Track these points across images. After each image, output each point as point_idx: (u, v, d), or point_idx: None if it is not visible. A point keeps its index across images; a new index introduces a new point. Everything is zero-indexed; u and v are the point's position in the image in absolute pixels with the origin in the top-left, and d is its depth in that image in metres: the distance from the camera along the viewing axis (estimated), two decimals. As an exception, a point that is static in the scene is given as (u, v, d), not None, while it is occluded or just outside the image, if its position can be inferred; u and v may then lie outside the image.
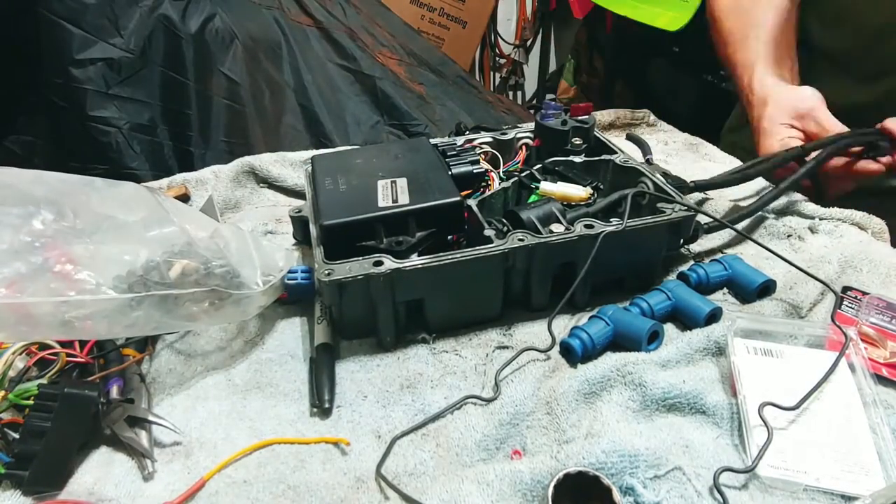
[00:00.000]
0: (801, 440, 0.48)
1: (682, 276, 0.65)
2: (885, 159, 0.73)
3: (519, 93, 3.27)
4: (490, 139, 0.76)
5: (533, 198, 0.68)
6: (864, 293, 0.62)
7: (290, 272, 0.63)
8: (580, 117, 0.74)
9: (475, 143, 0.75)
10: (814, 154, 0.72)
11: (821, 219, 0.74)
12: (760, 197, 0.72)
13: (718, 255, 0.68)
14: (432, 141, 0.72)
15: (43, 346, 0.52)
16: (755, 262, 0.67)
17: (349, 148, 0.81)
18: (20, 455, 0.45)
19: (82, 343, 0.54)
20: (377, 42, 2.07)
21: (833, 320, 0.57)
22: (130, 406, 0.50)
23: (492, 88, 3.07)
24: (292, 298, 0.64)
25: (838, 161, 0.74)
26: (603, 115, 1.02)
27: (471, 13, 2.85)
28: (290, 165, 0.83)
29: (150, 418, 0.50)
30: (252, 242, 0.59)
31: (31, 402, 0.47)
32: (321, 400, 0.52)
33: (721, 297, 0.65)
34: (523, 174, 0.70)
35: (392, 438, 0.49)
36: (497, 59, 3.12)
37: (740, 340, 0.55)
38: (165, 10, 1.34)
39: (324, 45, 1.62)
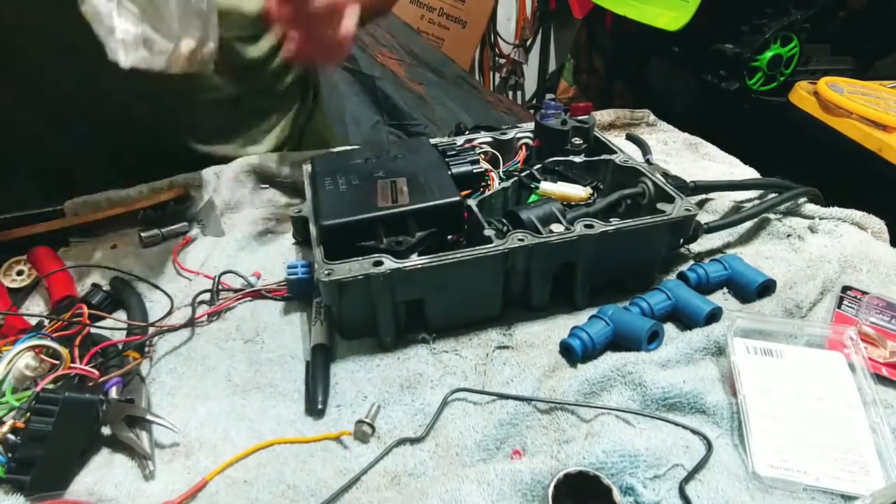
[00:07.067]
0: (801, 440, 0.48)
1: (682, 276, 0.65)
2: None
3: (519, 93, 3.27)
4: (490, 139, 0.76)
5: (533, 198, 0.68)
6: (864, 293, 0.63)
7: (290, 267, 0.63)
8: (580, 117, 0.74)
9: (475, 143, 0.75)
10: None
11: (821, 218, 0.74)
12: (763, 200, 0.72)
13: (718, 255, 0.68)
14: (432, 141, 0.72)
15: (48, 351, 0.52)
16: (755, 262, 0.67)
17: (349, 148, 0.81)
18: (21, 460, 0.45)
19: (83, 352, 0.54)
20: (377, 42, 2.07)
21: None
22: (130, 406, 0.50)
23: (492, 88, 3.07)
24: (293, 294, 0.64)
25: None
26: (603, 115, 1.02)
27: (471, 13, 2.85)
28: (290, 165, 0.83)
29: (150, 418, 0.49)
30: None
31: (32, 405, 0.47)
32: (314, 401, 0.52)
33: (721, 297, 0.65)
34: (523, 174, 0.70)
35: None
36: (497, 59, 3.12)
37: (740, 340, 0.55)
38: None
39: (323, 44, 1.62)
